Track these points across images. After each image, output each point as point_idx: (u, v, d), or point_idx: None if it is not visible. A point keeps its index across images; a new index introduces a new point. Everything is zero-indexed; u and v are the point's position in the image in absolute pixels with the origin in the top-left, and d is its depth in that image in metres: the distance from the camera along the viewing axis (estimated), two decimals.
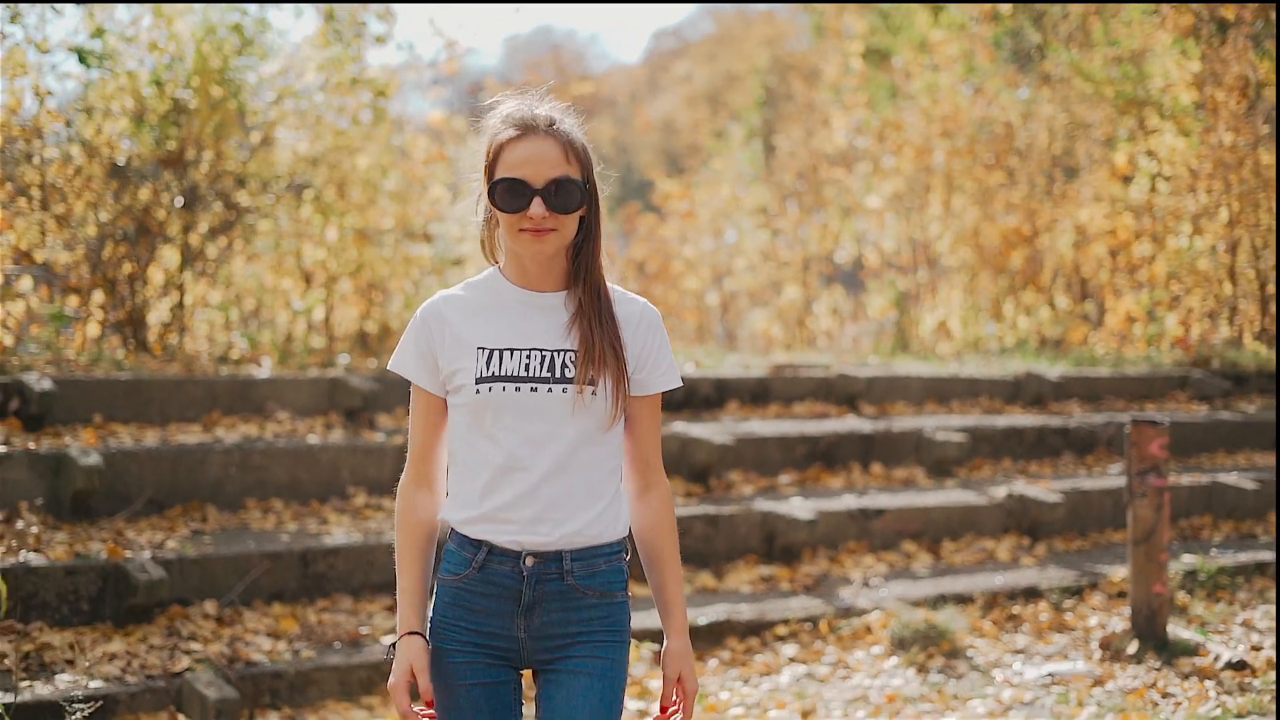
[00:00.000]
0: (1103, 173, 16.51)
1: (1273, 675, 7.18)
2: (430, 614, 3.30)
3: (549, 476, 3.21)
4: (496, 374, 3.21)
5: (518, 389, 3.20)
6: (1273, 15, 16.26)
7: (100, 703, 5.74)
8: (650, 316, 3.37)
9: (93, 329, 10.27)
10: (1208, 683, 7.14)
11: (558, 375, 3.20)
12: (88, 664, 6.15)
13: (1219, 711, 6.67)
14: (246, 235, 10.70)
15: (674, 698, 3.32)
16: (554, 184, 3.19)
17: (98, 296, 10.21)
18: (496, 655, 3.26)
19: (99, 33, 10.05)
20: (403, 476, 3.38)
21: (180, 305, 10.47)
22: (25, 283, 9.99)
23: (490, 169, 3.25)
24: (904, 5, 20.73)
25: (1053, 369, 12.83)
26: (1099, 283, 16.56)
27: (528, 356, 3.22)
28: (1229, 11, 16.11)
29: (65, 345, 9.78)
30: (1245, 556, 9.60)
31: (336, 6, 11.53)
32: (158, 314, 10.50)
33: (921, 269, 16.61)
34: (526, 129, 3.22)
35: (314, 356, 10.26)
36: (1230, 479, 10.81)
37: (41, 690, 5.85)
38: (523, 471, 3.20)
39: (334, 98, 11.08)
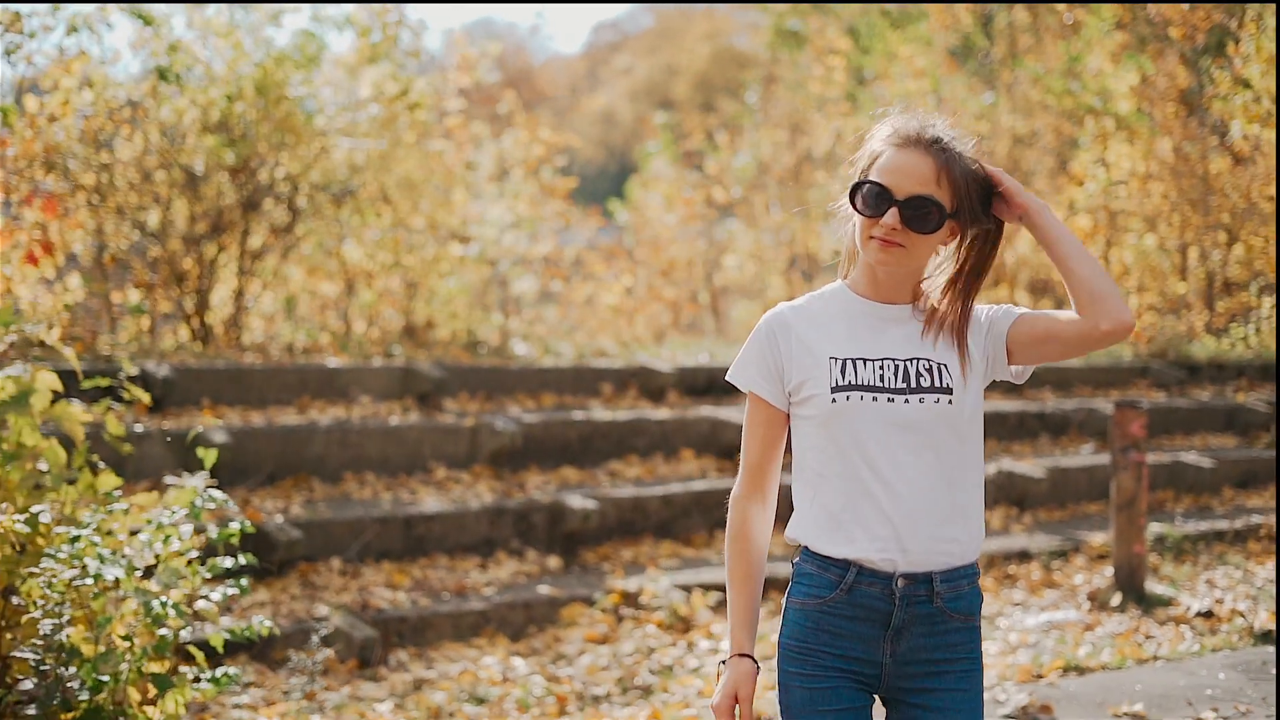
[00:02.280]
0: (1060, 177, 17.80)
1: (1239, 622, 8.43)
2: (782, 638, 3.21)
3: (915, 491, 3.11)
4: (852, 383, 3.13)
5: (875, 398, 3.12)
6: (1200, 34, 17.60)
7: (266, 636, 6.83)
8: (984, 307, 3.28)
9: (165, 322, 11.29)
10: (1182, 627, 8.37)
11: (914, 385, 3.13)
12: (242, 609, 7.21)
13: (1196, 648, 7.90)
14: (304, 236, 11.72)
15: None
16: (914, 199, 3.11)
17: (171, 291, 11.22)
18: (859, 680, 3.16)
19: (173, 49, 11.05)
20: (735, 489, 3.30)
21: (241, 300, 11.49)
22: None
23: (862, 172, 3.18)
24: (874, 20, 21.94)
25: None
26: (1059, 280, 17.84)
27: (881, 366, 3.15)
28: (1176, 30, 17.44)
29: (141, 336, 10.81)
30: (1205, 525, 10.87)
31: (369, 22, 12.57)
32: (225, 308, 11.51)
33: None
34: (908, 141, 3.14)
35: (373, 347, 11.32)
36: (1189, 458, 12.12)
37: (209, 630, 6.91)
38: (886, 486, 3.10)
39: (381, 109, 12.10)
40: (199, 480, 5.21)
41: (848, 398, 3.11)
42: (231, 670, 4.97)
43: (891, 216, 3.08)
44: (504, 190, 13.85)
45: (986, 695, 6.87)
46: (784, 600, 3.22)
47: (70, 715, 4.73)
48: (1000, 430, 12.14)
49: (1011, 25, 22.76)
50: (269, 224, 11.46)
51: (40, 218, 10.49)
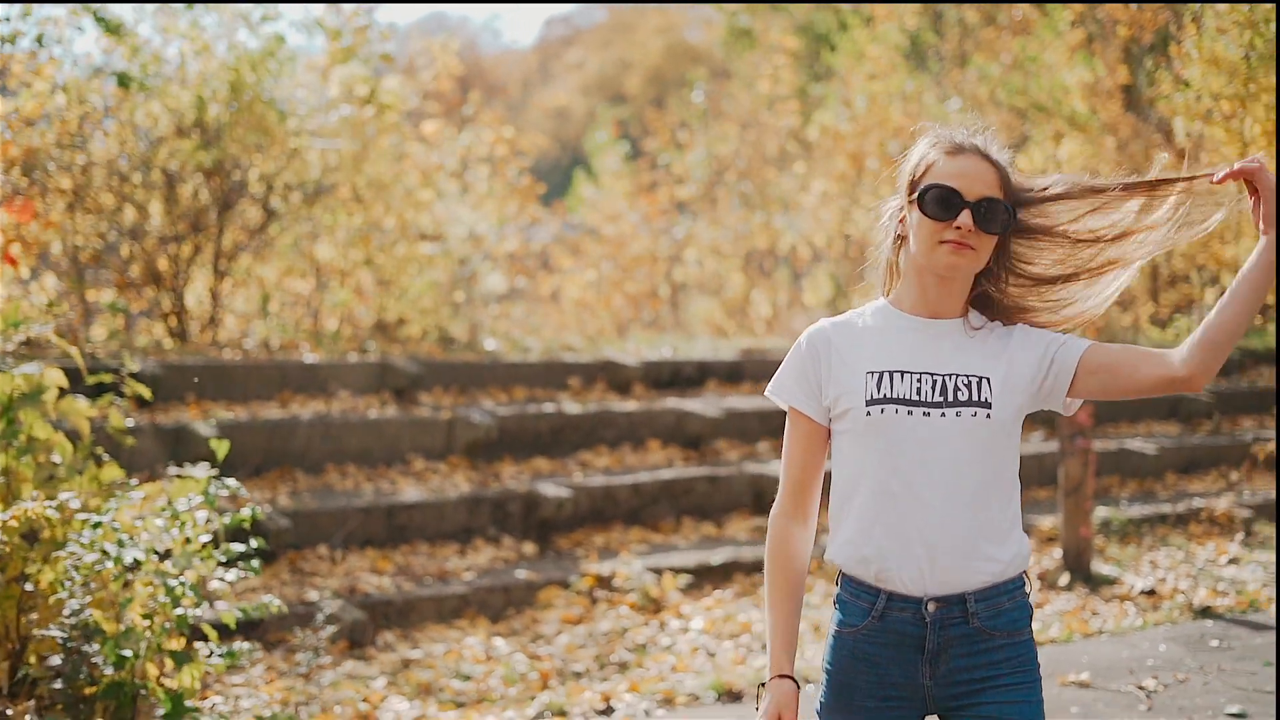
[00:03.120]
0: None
1: (1180, 599, 8.90)
2: (824, 663, 3.23)
3: (949, 508, 3.08)
4: (887, 396, 3.12)
5: (910, 412, 3.10)
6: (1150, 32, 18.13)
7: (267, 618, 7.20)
8: (1023, 327, 3.26)
9: (140, 320, 11.60)
10: (1126, 604, 8.84)
11: (951, 399, 3.10)
12: (237, 594, 7.56)
13: (1139, 623, 8.38)
14: (277, 235, 12.05)
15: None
16: (985, 201, 3.12)
17: (148, 291, 11.52)
18: (903, 703, 3.15)
19: (134, 51, 11.33)
20: (775, 508, 3.28)
21: (216, 298, 11.81)
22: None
23: (916, 183, 3.19)
24: (839, 20, 22.36)
25: None
26: None
27: (918, 380, 3.13)
28: (1124, 30, 17.94)
29: (118, 335, 11.12)
30: (1149, 509, 11.35)
31: (339, 25, 12.89)
32: (201, 307, 11.83)
33: (854, 260, 18.27)
34: (960, 149, 3.17)
35: (347, 343, 11.66)
36: (1135, 445, 12.61)
37: (208, 614, 7.27)
38: (919, 503, 3.08)
39: (351, 110, 12.43)
40: (203, 471, 5.57)
41: (882, 411, 3.11)
42: (245, 645, 5.35)
43: (966, 217, 3.10)
44: (470, 189, 14.20)
45: None
46: (831, 626, 3.24)
47: (93, 689, 5.10)
48: None
49: (962, 23, 23.28)
50: (243, 224, 11.78)
51: (16, 219, 10.78)
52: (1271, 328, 17.09)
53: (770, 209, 17.91)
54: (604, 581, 8.61)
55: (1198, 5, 17.88)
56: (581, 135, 36.13)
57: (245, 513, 5.41)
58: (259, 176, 11.66)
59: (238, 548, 5.40)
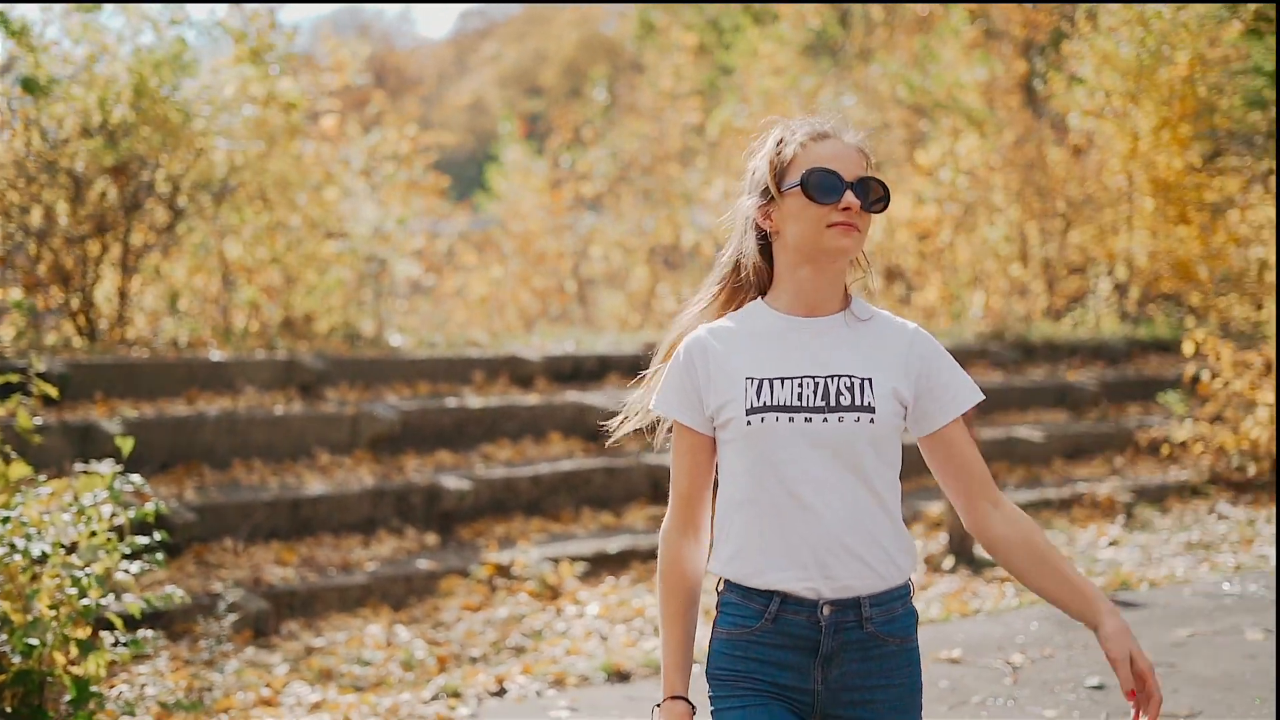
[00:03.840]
0: (908, 168, 18.77)
1: None
2: (710, 669, 3.14)
3: (836, 514, 3.01)
4: (767, 404, 3.03)
5: (791, 419, 3.02)
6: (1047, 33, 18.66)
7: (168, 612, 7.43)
8: (921, 338, 3.17)
9: (48, 318, 11.74)
10: (1006, 585, 9.25)
11: (833, 404, 3.02)
12: (143, 587, 7.78)
13: (1016, 603, 8.79)
14: (185, 234, 12.21)
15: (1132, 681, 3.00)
16: (864, 180, 3.09)
17: (56, 290, 11.66)
18: (790, 704, 3.08)
19: (32, 52, 11.46)
20: (666, 523, 3.20)
21: (125, 297, 11.96)
22: None
23: (782, 173, 3.12)
24: (734, 18, 22.75)
25: None
26: (908, 267, 18.84)
27: (799, 385, 3.04)
28: (1018, 29, 18.46)
29: (26, 334, 11.26)
30: (1034, 495, 11.79)
31: (244, 27, 13.05)
32: (109, 305, 11.97)
33: None
34: (824, 135, 3.14)
35: (254, 340, 11.87)
36: (1022, 433, 13.07)
37: (120, 608, 7.48)
38: (806, 510, 3.01)
39: (255, 110, 12.61)
40: (108, 467, 5.80)
41: (763, 419, 3.03)
42: (148, 634, 5.60)
43: (850, 197, 3.04)
44: (375, 186, 14.41)
45: None
46: (710, 631, 3.16)
47: (2, 677, 5.33)
48: None
49: (867, 18, 23.74)
50: (151, 223, 11.93)
51: None
52: (1160, 319, 17.67)
53: (674, 205, 18.24)
54: (503, 570, 8.91)
55: (1091, 4, 18.46)
56: (497, 129, 36.29)
57: (149, 507, 5.65)
58: (165, 177, 11.82)
59: (142, 540, 5.64)
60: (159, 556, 5.64)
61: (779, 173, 3.13)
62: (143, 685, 6.33)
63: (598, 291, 19.07)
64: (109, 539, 5.56)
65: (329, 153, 14.00)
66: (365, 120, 15.85)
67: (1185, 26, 16.61)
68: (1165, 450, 12.95)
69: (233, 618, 7.06)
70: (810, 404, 3.03)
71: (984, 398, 3.20)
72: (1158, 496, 12.20)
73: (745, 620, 3.07)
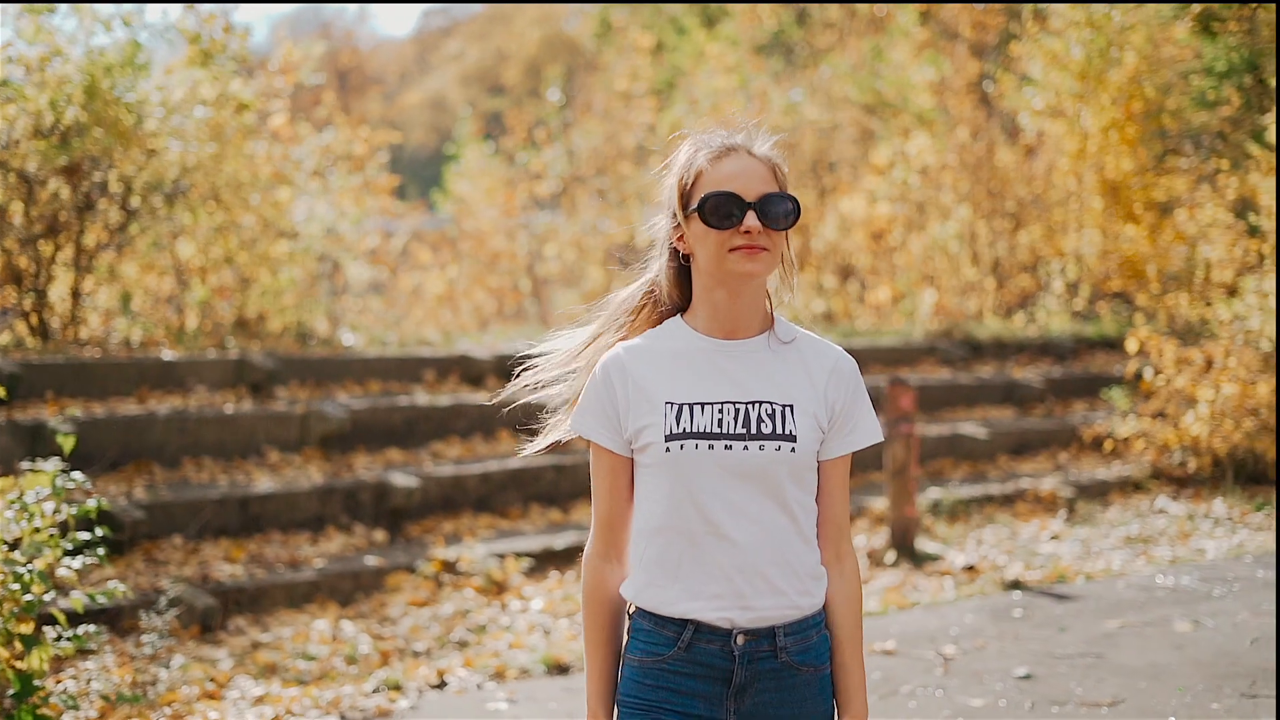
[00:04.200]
0: (862, 168, 18.97)
1: (994, 574, 9.50)
2: (621, 695, 3.08)
3: (753, 543, 2.97)
4: (687, 430, 2.97)
5: (711, 447, 2.96)
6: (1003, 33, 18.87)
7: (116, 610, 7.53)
8: (845, 365, 3.11)
9: (2, 319, 11.79)
10: (945, 579, 9.43)
11: (754, 431, 2.97)
12: (93, 584, 7.88)
13: (953, 596, 8.96)
14: (138, 234, 12.28)
15: None
16: (767, 198, 2.99)
17: (9, 290, 11.72)
18: None
19: None
20: (588, 548, 3.15)
21: (78, 297, 12.02)
22: None
23: (686, 196, 3.04)
24: (681, 19, 22.91)
25: None
26: (862, 265, 19.05)
27: (720, 411, 2.99)
28: (967, 30, 18.67)
29: None
30: (978, 490, 11.98)
31: (197, 29, 13.12)
32: (63, 305, 12.04)
33: None
34: (726, 151, 3.05)
35: (207, 340, 11.95)
36: (968, 429, 13.26)
37: (64, 603, 7.58)
38: (724, 539, 2.97)
39: (208, 112, 12.68)
40: (53, 465, 5.90)
41: (682, 446, 2.97)
42: (91, 629, 5.71)
43: (752, 219, 2.96)
44: (328, 187, 14.50)
45: None
46: (623, 655, 3.10)
47: None
48: None
49: (824, 17, 23.92)
50: (104, 223, 12.00)
51: None
52: (1107, 317, 17.90)
53: (628, 204, 18.40)
54: (450, 566, 9.04)
55: (1040, 5, 18.70)
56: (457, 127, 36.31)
57: (91, 503, 5.76)
58: (118, 177, 11.89)
59: (84, 536, 5.74)
60: (101, 552, 5.74)
61: (685, 195, 3.05)
62: (89, 680, 6.43)
63: (553, 290, 19.20)
64: (51, 535, 5.66)
65: (281, 153, 14.07)
66: (317, 121, 15.91)
67: (1133, 29, 16.85)
68: (1109, 446, 13.17)
69: (174, 613, 7.16)
70: (731, 431, 2.97)
71: (882, 439, 3.19)
72: (1100, 491, 12.42)
73: (657, 648, 3.02)
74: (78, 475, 5.76)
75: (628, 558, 3.12)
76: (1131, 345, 12.89)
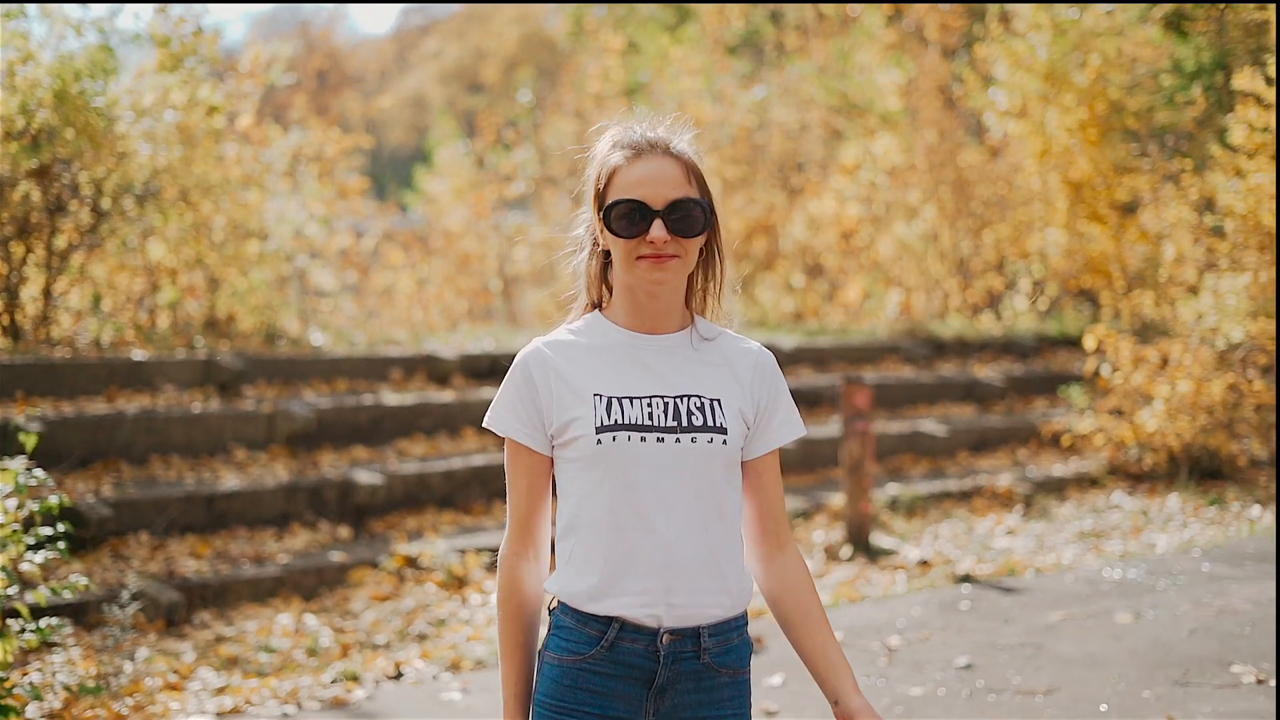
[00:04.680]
0: (831, 168, 19.21)
1: (946, 568, 9.72)
2: (538, 695, 3.01)
3: (683, 539, 2.92)
4: (618, 423, 2.92)
5: (643, 439, 2.91)
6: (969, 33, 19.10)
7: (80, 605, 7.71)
8: (766, 361, 3.10)
9: None
10: (898, 573, 9.64)
11: (685, 424, 2.93)
12: (59, 579, 8.05)
13: (904, 589, 9.18)
14: (108, 236, 12.44)
15: None
16: (675, 205, 2.93)
17: None
18: None
19: None
20: (503, 548, 3.07)
21: (49, 297, 12.18)
22: None
23: (601, 196, 2.99)
24: (644, 21, 23.13)
25: (786, 340, 15.33)
26: (830, 264, 19.29)
27: (649, 404, 2.94)
28: (932, 32, 18.90)
29: None
30: (937, 486, 12.22)
31: (168, 32, 13.29)
32: (34, 305, 12.19)
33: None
34: (641, 150, 2.98)
35: (176, 340, 12.12)
36: (928, 426, 13.49)
37: (29, 598, 7.76)
38: (652, 534, 2.91)
39: (177, 116, 12.84)
40: (19, 463, 6.08)
41: (614, 438, 2.91)
42: (54, 621, 5.89)
43: (658, 229, 2.91)
44: (299, 189, 14.67)
45: None
46: (540, 652, 3.05)
47: None
48: None
49: (796, 20, 24.11)
50: (75, 225, 12.16)
51: None
52: (1070, 315, 18.15)
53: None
54: (412, 561, 9.24)
55: (1004, 4, 18.95)
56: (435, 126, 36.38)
57: (53, 500, 5.93)
58: (89, 179, 12.05)
59: (46, 532, 5.92)
60: (62, 546, 5.92)
61: (599, 194, 3.01)
62: (54, 673, 6.60)
63: (523, 290, 19.39)
64: (14, 531, 5.83)
65: (251, 155, 14.24)
66: (287, 123, 16.08)
67: (1096, 33, 17.08)
68: (1066, 442, 13.40)
69: (136, 606, 7.33)
70: (662, 424, 2.93)
71: (806, 433, 3.15)
72: (1057, 487, 12.65)
73: (578, 647, 2.95)
74: (39, 473, 5.92)
75: (544, 556, 3.07)
76: (1090, 343, 13.13)
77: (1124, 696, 6.65)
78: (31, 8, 12.24)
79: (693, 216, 2.95)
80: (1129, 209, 17.42)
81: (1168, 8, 18.04)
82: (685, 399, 2.96)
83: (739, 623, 3.03)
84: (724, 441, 2.94)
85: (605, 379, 2.97)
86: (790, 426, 3.10)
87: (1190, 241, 15.55)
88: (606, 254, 3.08)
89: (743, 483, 3.06)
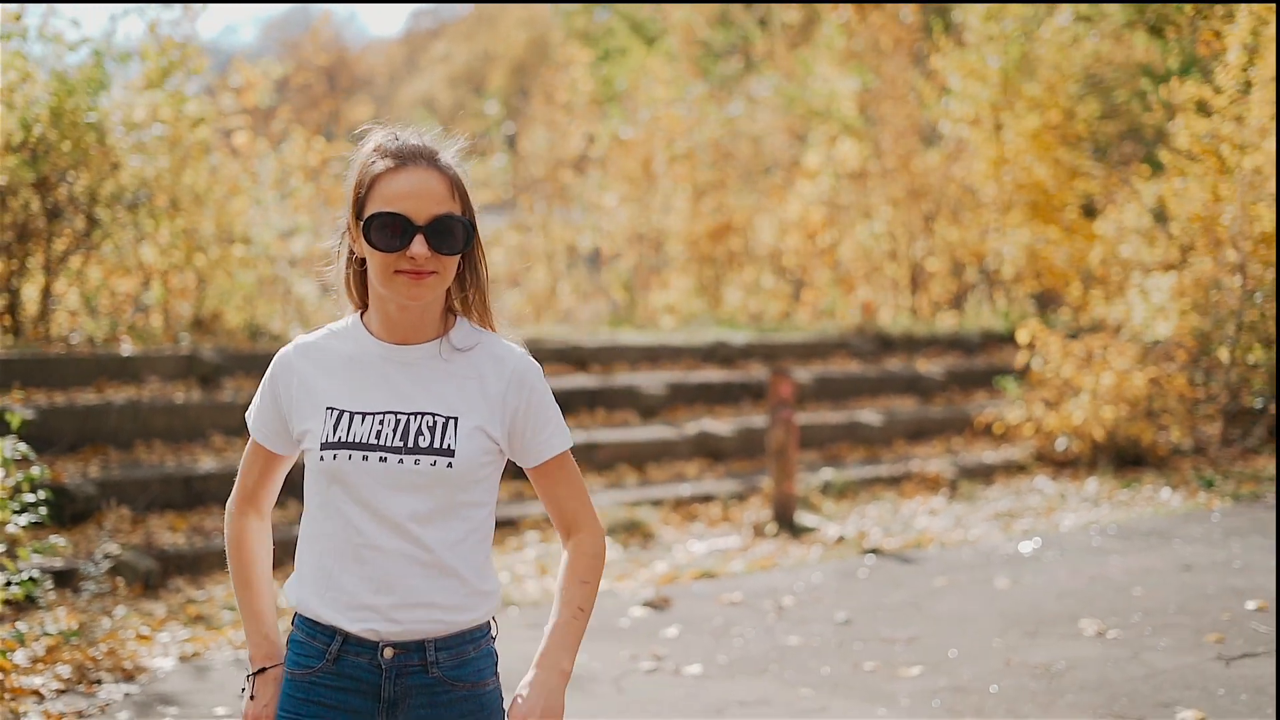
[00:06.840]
0: (796, 172, 20.18)
1: (862, 544, 10.66)
2: (277, 708, 3.02)
3: (404, 556, 2.92)
4: (344, 440, 2.91)
5: (365, 458, 2.90)
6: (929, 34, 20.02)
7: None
8: (523, 370, 3.02)
9: None
10: (815, 548, 10.59)
11: (411, 444, 2.91)
12: (48, 548, 9.02)
13: (817, 559, 10.13)
14: (102, 241, 13.42)
15: None
16: (438, 221, 2.87)
17: None
18: None
19: None
20: (230, 504, 3.19)
21: (48, 297, 13.16)
22: None
23: (360, 203, 2.92)
24: (617, 33, 24.03)
25: (739, 336, 16.27)
26: (794, 266, 20.26)
27: (380, 421, 2.92)
28: (886, 37, 19.84)
29: None
30: (870, 472, 13.17)
31: (162, 52, 14.26)
32: (33, 305, 13.17)
33: (648, 255, 20.04)
34: (406, 159, 2.91)
35: (166, 337, 13.10)
36: (866, 417, 14.45)
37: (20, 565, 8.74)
38: (374, 550, 2.91)
39: (166, 129, 13.81)
40: (8, 441, 7.05)
41: (335, 456, 2.92)
42: (36, 575, 6.87)
43: (420, 245, 2.86)
44: (284, 196, 15.63)
45: (627, 592, 9.02)
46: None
47: None
48: (707, 396, 14.34)
49: (772, 25, 25.02)
50: (71, 230, 13.13)
51: None
52: (1014, 313, 19.07)
53: (571, 210, 19.57)
54: None
55: (950, 19, 19.88)
56: (447, 129, 36.83)
57: (35, 470, 6.91)
58: (84, 189, 13.02)
59: (30, 499, 6.90)
60: (43, 511, 6.89)
61: (358, 203, 2.95)
62: (41, 623, 7.57)
63: (499, 290, 20.30)
64: (1, 499, 6.80)
65: (238, 166, 15.19)
66: (274, 136, 17.06)
67: (1053, 43, 18.00)
68: (998, 430, 14.33)
69: (109, 564, 8.30)
70: (388, 444, 2.91)
71: (571, 445, 3.10)
72: (985, 473, 13.58)
73: (308, 660, 2.97)
74: (21, 446, 6.89)
75: (267, 515, 3.22)
76: (1023, 338, 14.09)
77: (975, 643, 7.59)
78: (30, 28, 13.20)
79: (454, 234, 2.90)
80: (1086, 211, 18.31)
81: (1133, 9, 18.89)
82: (418, 417, 2.94)
83: (476, 635, 3.03)
84: (449, 464, 2.91)
85: (344, 392, 2.98)
86: (554, 440, 3.05)
87: (1147, 243, 16.30)
88: (363, 261, 3.02)
89: (535, 485, 3.10)
